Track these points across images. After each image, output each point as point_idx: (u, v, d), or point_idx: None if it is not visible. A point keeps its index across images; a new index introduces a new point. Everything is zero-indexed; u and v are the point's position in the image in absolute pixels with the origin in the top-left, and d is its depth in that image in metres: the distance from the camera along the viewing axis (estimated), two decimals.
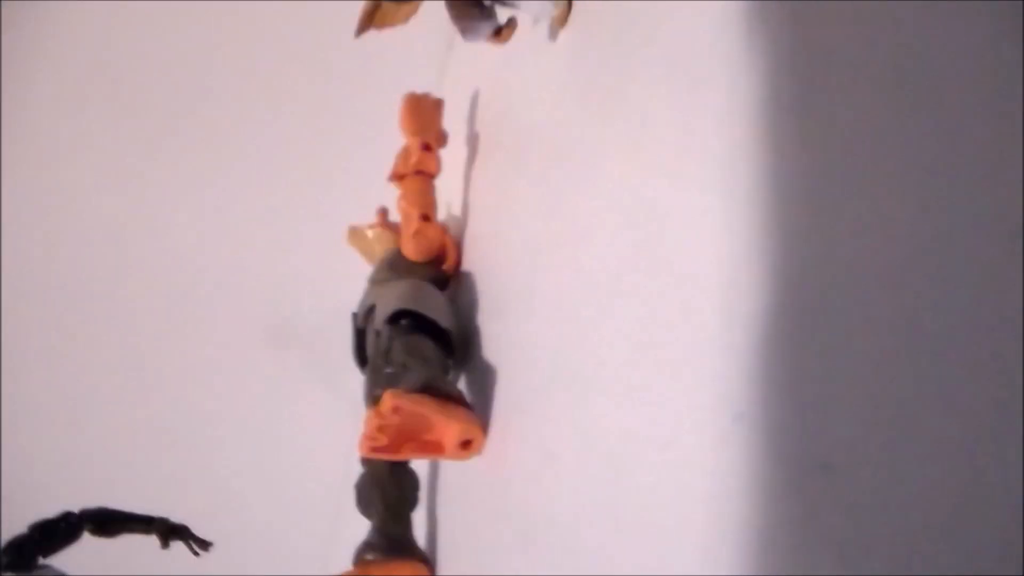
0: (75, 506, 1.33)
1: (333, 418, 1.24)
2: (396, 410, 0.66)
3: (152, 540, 0.72)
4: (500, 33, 0.66)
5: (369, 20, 0.65)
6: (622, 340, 0.42)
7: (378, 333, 0.80)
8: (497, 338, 0.72)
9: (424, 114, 0.91)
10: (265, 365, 1.24)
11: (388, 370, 0.73)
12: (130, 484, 1.30)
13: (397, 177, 0.90)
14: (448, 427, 0.68)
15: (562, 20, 0.64)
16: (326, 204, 1.14)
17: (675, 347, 0.35)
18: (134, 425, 1.26)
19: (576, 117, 0.61)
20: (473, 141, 0.93)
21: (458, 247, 0.91)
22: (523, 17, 0.67)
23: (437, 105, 0.93)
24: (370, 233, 0.94)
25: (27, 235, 1.19)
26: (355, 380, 0.82)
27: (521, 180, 0.73)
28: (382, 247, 0.93)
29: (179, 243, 1.22)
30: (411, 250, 0.88)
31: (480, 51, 0.73)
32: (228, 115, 1.15)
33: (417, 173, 0.89)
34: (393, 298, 0.80)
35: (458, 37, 0.67)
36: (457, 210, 0.94)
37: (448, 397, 0.69)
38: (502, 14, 0.67)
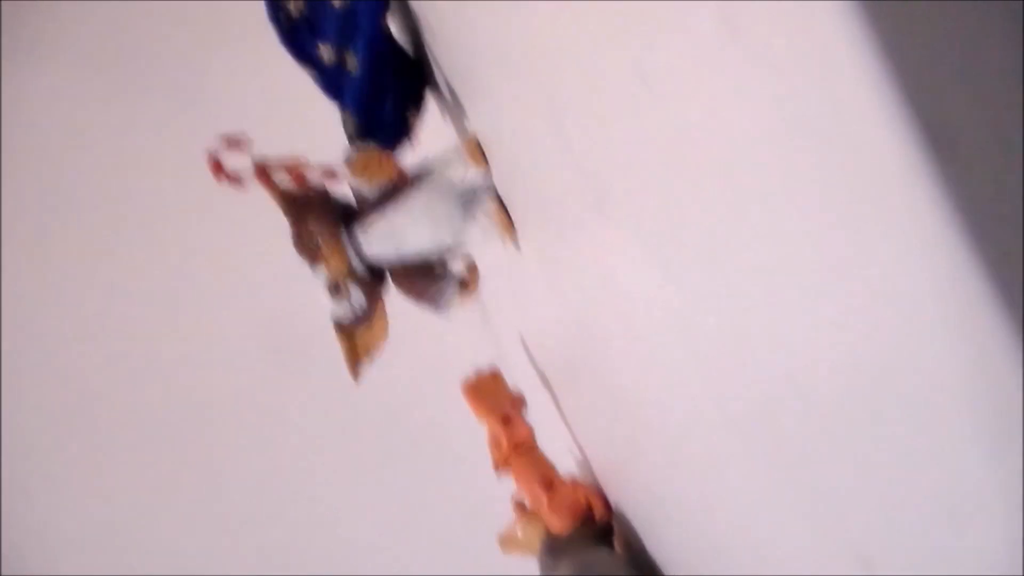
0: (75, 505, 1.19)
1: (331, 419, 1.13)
2: None
3: None
4: (467, 284, 0.64)
5: (356, 358, 0.65)
6: None
7: None
8: None
9: (488, 394, 0.88)
10: (264, 367, 1.17)
11: None
12: (131, 485, 1.18)
13: (502, 466, 0.86)
14: None
15: (509, 228, 0.63)
16: None
17: None
18: (134, 426, 1.20)
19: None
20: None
21: (598, 490, 0.84)
22: (474, 252, 0.65)
23: (495, 377, 0.90)
24: (519, 531, 0.89)
25: (27, 238, 1.18)
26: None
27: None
28: (536, 535, 0.87)
29: (180, 244, 1.18)
30: (557, 524, 0.82)
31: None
32: (230, 117, 1.13)
33: (516, 449, 0.85)
34: None
35: None
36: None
37: None
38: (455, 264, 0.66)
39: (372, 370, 0.68)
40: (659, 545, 0.72)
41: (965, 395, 0.19)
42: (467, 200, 0.62)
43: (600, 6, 0.30)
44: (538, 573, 0.84)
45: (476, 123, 0.64)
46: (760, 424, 0.32)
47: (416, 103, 0.71)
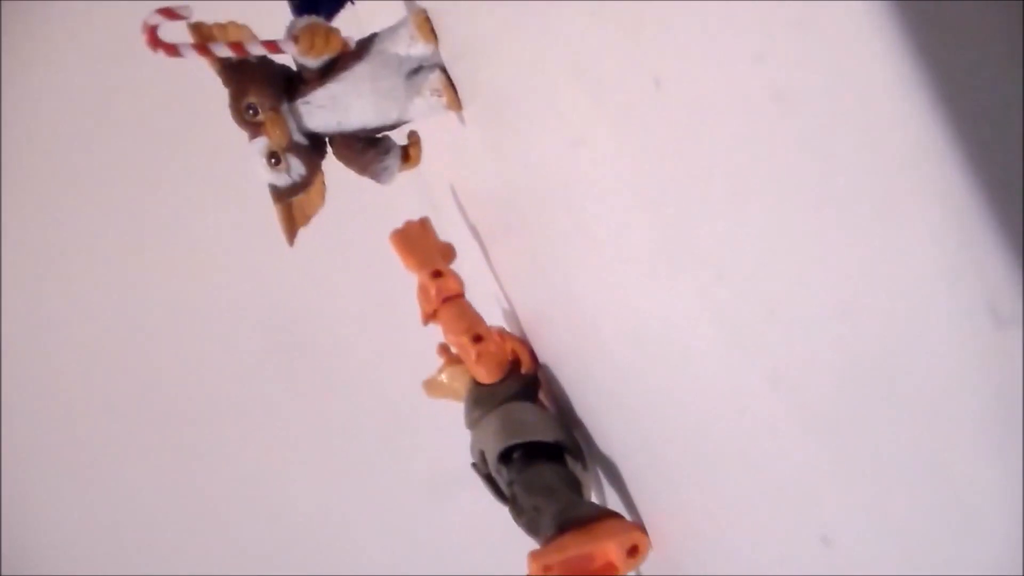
0: (75, 505, 1.36)
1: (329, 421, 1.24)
2: (548, 569, 0.63)
3: None
4: (408, 155, 0.64)
5: (292, 223, 0.64)
6: None
7: (499, 476, 0.78)
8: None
9: (418, 244, 0.89)
10: (264, 369, 1.25)
11: (522, 520, 0.70)
12: (131, 484, 1.34)
13: (430, 317, 0.88)
14: (607, 549, 0.65)
15: (455, 104, 0.62)
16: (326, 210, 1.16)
17: None
18: (134, 425, 1.30)
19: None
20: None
21: (525, 343, 0.88)
22: (419, 123, 0.64)
23: (424, 226, 0.91)
24: (444, 377, 0.94)
25: (28, 241, 1.24)
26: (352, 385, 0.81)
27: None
28: (462, 383, 0.91)
29: (179, 243, 1.25)
30: (484, 375, 0.86)
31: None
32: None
33: (445, 301, 0.88)
34: (491, 439, 0.79)
35: None
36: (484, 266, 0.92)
37: (590, 519, 0.66)
38: (396, 135, 0.65)
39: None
40: (583, 401, 0.78)
41: (964, 391, 0.20)
42: (413, 74, 0.61)
43: None
44: (464, 422, 0.89)
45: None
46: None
47: None
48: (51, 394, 1.27)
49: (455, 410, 0.90)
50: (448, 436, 0.90)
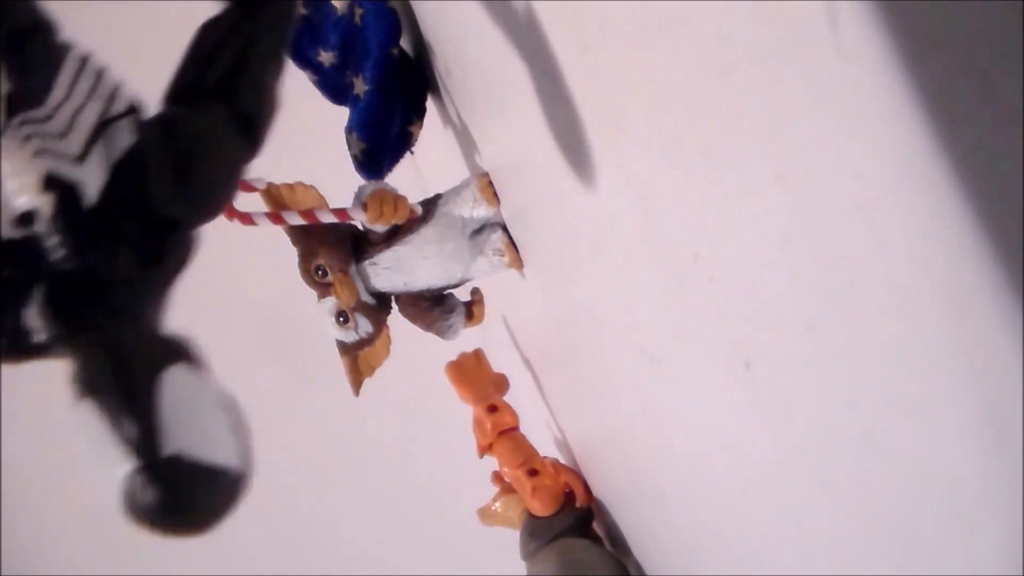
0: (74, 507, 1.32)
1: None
2: None
3: None
4: (472, 314, 0.69)
5: (358, 375, 0.69)
6: None
7: None
8: None
9: (472, 377, 0.94)
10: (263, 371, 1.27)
11: None
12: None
13: (485, 450, 0.92)
14: None
15: (516, 262, 0.67)
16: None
17: None
18: None
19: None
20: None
21: (578, 475, 0.92)
22: (482, 279, 0.70)
23: (478, 357, 0.96)
24: (497, 506, 0.97)
25: None
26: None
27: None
28: (516, 512, 0.95)
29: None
30: (539, 508, 0.89)
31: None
32: None
33: (501, 434, 0.92)
34: None
35: None
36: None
37: None
38: (460, 292, 0.70)
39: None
40: (640, 533, 0.80)
41: (963, 388, 0.21)
42: (476, 234, 0.66)
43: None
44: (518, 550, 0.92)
45: (487, 152, 0.67)
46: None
47: (418, 112, 0.73)
48: (51, 393, 1.31)
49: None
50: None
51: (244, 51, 0.35)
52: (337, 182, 0.69)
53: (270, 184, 0.65)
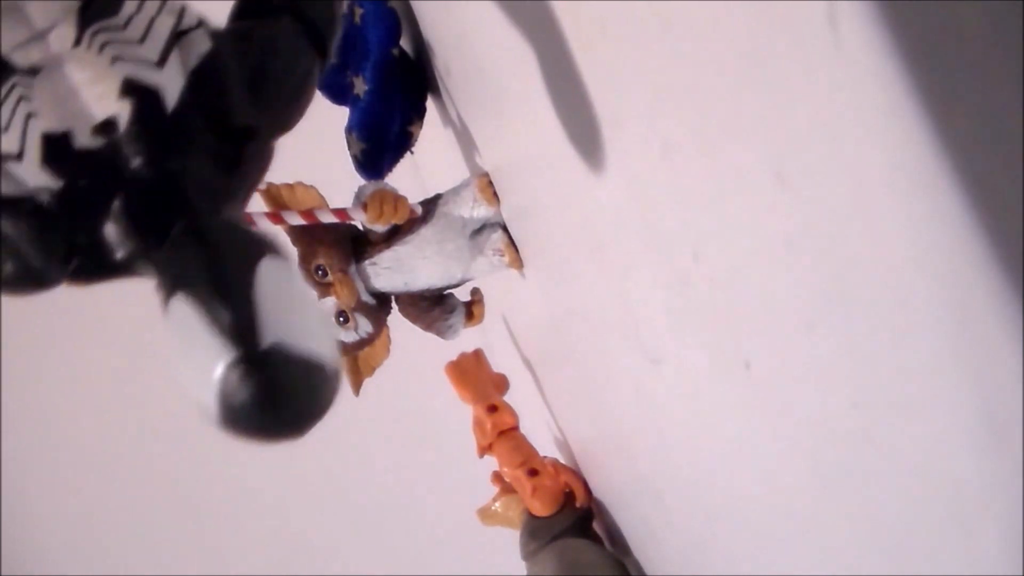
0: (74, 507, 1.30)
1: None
2: None
3: None
4: (472, 314, 0.69)
5: (358, 374, 0.69)
6: None
7: None
8: None
9: (472, 377, 0.94)
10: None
11: None
12: (132, 484, 1.33)
13: (485, 449, 0.92)
14: None
15: (516, 262, 0.67)
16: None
17: None
18: (135, 425, 1.30)
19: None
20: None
21: (579, 475, 0.92)
22: (482, 279, 0.70)
23: (478, 358, 0.96)
24: (497, 506, 0.97)
25: None
26: None
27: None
28: (516, 512, 0.95)
29: None
30: (539, 508, 0.89)
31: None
32: None
33: (501, 434, 0.92)
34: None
35: None
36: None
37: None
38: (460, 292, 0.70)
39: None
40: (640, 533, 0.81)
41: (963, 388, 0.21)
42: (476, 234, 0.66)
43: None
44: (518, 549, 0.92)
45: (487, 152, 0.67)
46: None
47: (419, 112, 0.73)
48: (51, 393, 1.31)
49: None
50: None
51: None
52: (337, 182, 0.69)
53: (270, 184, 0.65)
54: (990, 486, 0.22)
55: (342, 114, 0.75)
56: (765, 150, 0.26)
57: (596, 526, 0.91)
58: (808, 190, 0.24)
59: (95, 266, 0.32)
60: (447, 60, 0.67)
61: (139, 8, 0.32)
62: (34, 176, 0.31)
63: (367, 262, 0.65)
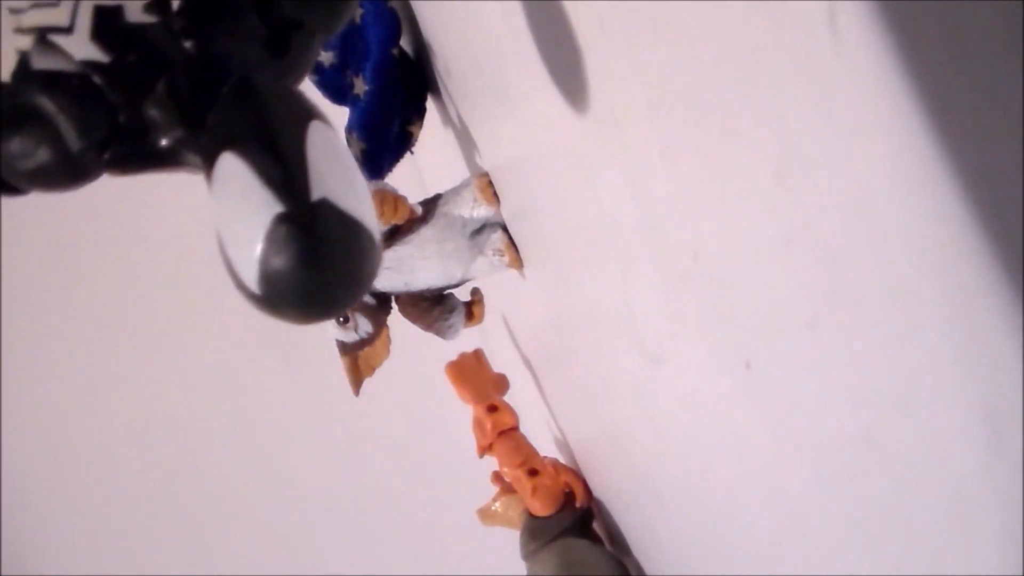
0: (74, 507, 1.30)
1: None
2: None
3: None
4: (472, 314, 0.69)
5: (358, 374, 0.69)
6: None
7: None
8: None
9: (472, 376, 0.94)
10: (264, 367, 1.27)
11: None
12: (133, 483, 1.33)
13: (485, 450, 0.92)
14: None
15: (516, 262, 0.67)
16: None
17: None
18: (135, 425, 1.30)
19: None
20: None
21: (579, 475, 0.92)
22: (482, 279, 0.70)
23: (478, 357, 0.96)
24: (497, 506, 0.97)
25: (27, 234, 1.26)
26: None
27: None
28: (516, 512, 0.95)
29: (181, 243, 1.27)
30: (539, 508, 0.89)
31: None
32: None
33: (500, 434, 0.92)
34: None
35: None
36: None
37: None
38: (460, 292, 0.70)
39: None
40: (640, 533, 0.81)
41: (963, 388, 0.21)
42: (476, 234, 0.66)
43: None
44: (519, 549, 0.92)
45: (487, 152, 0.67)
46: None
47: (419, 112, 0.73)
48: (52, 393, 1.31)
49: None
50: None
51: None
52: None
53: None
54: (990, 486, 0.22)
55: (342, 114, 0.75)
56: (765, 150, 0.26)
57: (596, 526, 0.91)
58: (808, 190, 0.24)
59: (135, 152, 0.31)
60: (447, 60, 0.67)
61: None
62: (82, 49, 0.30)
63: None
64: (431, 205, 0.66)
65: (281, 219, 0.26)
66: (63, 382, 1.33)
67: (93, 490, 1.33)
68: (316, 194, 0.26)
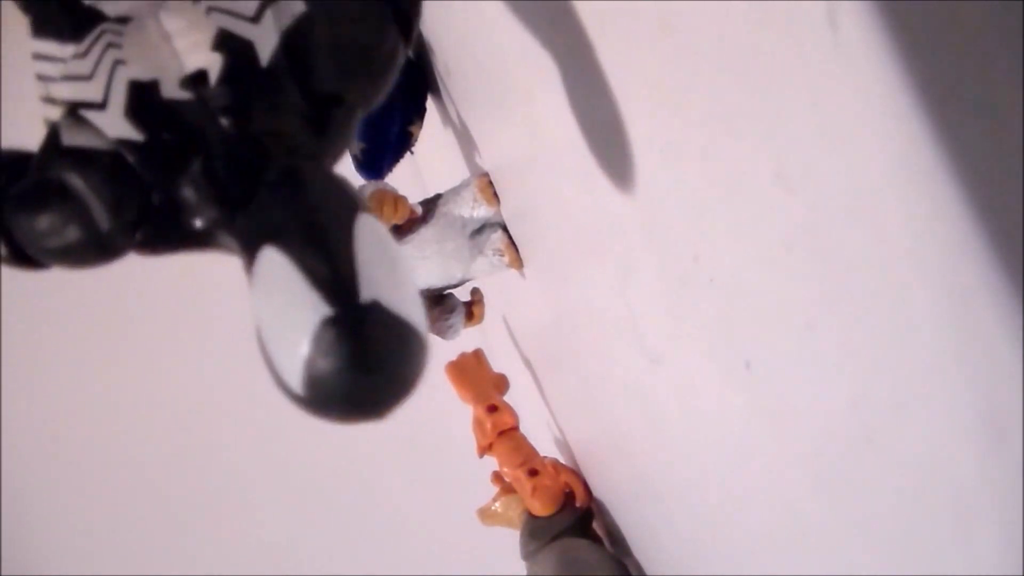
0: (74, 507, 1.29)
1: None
2: None
3: None
4: (472, 314, 0.69)
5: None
6: None
7: None
8: None
9: (472, 377, 0.94)
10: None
11: None
12: (133, 483, 1.33)
13: (485, 450, 0.92)
14: None
15: (516, 262, 0.67)
16: None
17: None
18: (136, 426, 1.30)
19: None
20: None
21: (579, 475, 0.92)
22: (482, 279, 0.70)
23: (478, 357, 0.96)
24: (497, 506, 0.97)
25: None
26: None
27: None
28: (516, 512, 0.95)
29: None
30: (539, 508, 0.89)
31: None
32: None
33: (501, 434, 0.92)
34: None
35: None
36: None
37: None
38: (460, 292, 0.70)
39: None
40: (640, 533, 0.81)
41: (963, 388, 0.21)
42: (476, 234, 0.66)
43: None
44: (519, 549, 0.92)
45: (487, 152, 0.67)
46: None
47: (419, 112, 0.73)
48: (51, 393, 1.31)
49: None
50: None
51: None
52: None
53: None
54: (990, 486, 0.22)
55: None
56: (765, 150, 0.26)
57: (596, 526, 0.91)
58: (808, 190, 0.24)
59: (167, 232, 0.30)
60: (447, 60, 0.67)
61: None
62: (115, 127, 0.29)
63: None
64: (431, 205, 0.66)
65: (329, 322, 0.25)
66: (63, 382, 1.33)
67: (93, 490, 1.33)
68: (365, 296, 0.25)
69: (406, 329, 0.26)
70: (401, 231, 0.66)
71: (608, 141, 0.40)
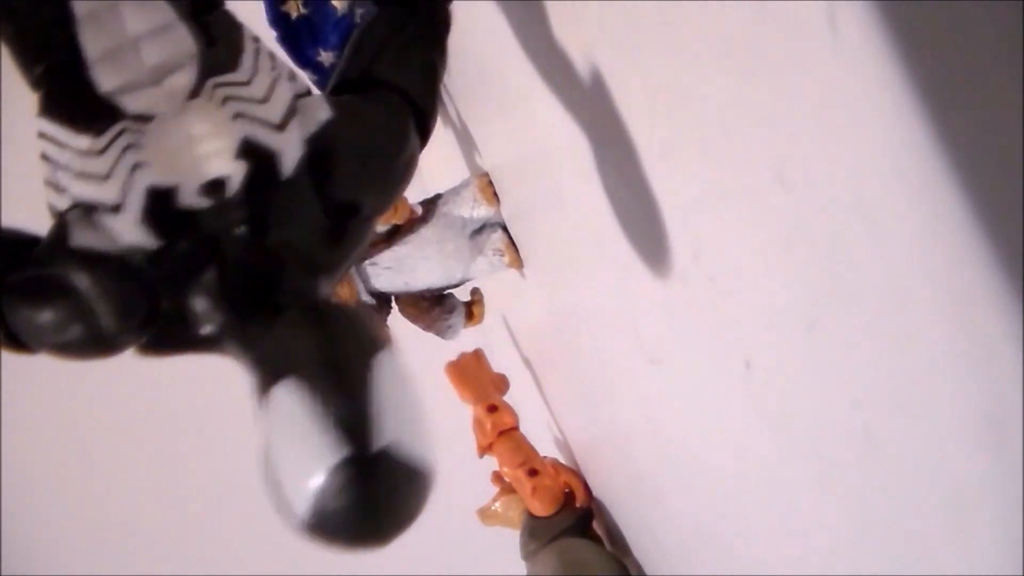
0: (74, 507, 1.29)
1: None
2: None
3: None
4: (472, 314, 0.69)
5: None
6: None
7: None
8: None
9: (473, 377, 0.93)
10: None
11: None
12: (133, 484, 1.32)
13: (485, 449, 0.92)
14: None
15: (517, 262, 0.67)
16: None
17: None
18: (136, 426, 1.30)
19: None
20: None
21: (579, 475, 0.92)
22: (482, 279, 0.70)
23: (478, 358, 0.96)
24: (497, 506, 0.96)
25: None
26: None
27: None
28: (516, 512, 0.94)
29: None
30: (539, 508, 0.89)
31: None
32: None
33: (501, 434, 0.91)
34: None
35: None
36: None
37: None
38: (460, 292, 0.70)
39: None
40: (640, 533, 0.80)
41: (963, 388, 0.21)
42: (476, 233, 0.66)
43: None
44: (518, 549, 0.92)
45: (487, 152, 0.67)
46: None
47: None
48: (51, 393, 1.31)
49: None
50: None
51: (410, 47, 0.35)
52: None
53: None
54: (990, 486, 0.22)
55: None
56: (765, 150, 0.26)
57: (596, 526, 0.90)
58: (808, 190, 0.24)
59: (174, 337, 0.31)
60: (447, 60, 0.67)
61: (256, 66, 0.31)
62: (129, 232, 0.29)
63: (367, 262, 0.65)
64: (431, 205, 0.66)
65: (343, 465, 0.26)
66: (63, 382, 1.33)
67: (93, 490, 1.33)
68: (380, 442, 0.27)
69: (415, 475, 0.27)
70: (401, 231, 0.66)
71: (608, 141, 0.40)
